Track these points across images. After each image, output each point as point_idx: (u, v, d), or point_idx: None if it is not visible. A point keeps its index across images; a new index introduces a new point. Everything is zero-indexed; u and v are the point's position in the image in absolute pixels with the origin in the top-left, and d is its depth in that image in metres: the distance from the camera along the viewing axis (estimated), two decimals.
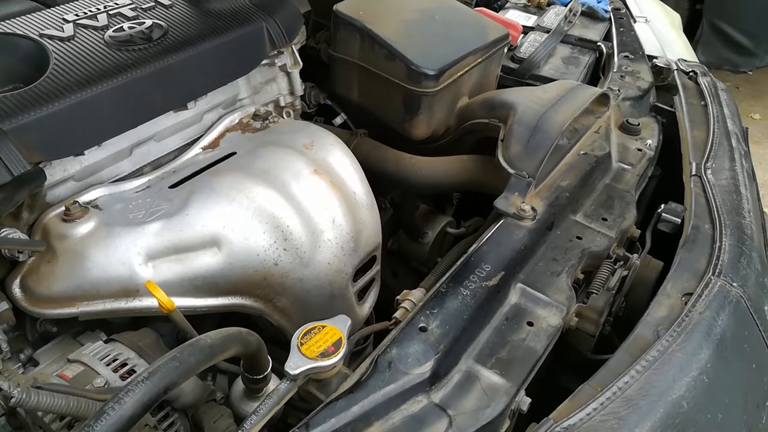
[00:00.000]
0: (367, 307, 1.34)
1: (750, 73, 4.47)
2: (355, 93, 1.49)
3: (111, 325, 1.10)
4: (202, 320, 1.12)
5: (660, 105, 1.67)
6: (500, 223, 1.15)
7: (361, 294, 1.31)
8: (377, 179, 1.47)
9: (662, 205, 1.17)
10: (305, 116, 1.66)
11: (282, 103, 1.54)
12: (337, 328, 0.88)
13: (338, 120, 1.60)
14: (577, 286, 1.12)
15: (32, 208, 1.05)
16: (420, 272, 1.82)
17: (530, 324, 1.00)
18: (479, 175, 1.39)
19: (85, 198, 1.10)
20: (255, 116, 1.38)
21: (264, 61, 1.40)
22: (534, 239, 1.14)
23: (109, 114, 1.07)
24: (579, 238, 1.18)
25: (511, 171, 1.23)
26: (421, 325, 0.93)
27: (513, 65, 1.70)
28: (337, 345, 0.85)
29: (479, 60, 1.46)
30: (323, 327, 0.88)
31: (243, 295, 1.11)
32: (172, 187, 1.15)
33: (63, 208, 1.04)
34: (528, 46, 1.75)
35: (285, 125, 1.35)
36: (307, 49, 1.65)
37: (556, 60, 1.75)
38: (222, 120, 1.37)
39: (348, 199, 1.21)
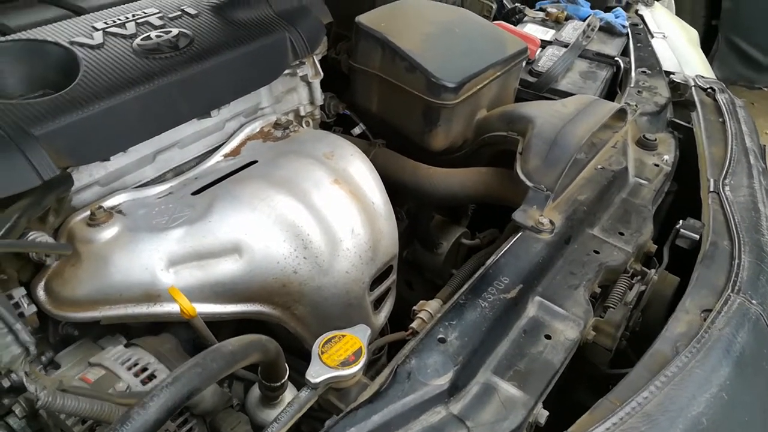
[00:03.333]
0: (382, 316, 1.35)
1: (765, 89, 4.46)
2: (374, 104, 1.50)
3: (129, 330, 1.12)
4: (220, 327, 1.13)
5: (677, 121, 1.67)
6: (518, 235, 1.16)
7: (377, 303, 1.32)
8: (394, 189, 1.48)
9: (680, 221, 1.18)
10: (324, 126, 1.68)
11: (302, 113, 1.56)
12: (357, 338, 0.88)
13: (357, 130, 1.62)
14: (593, 300, 1.12)
15: (58, 212, 1.06)
16: (434, 283, 1.82)
17: (548, 337, 1.00)
18: (496, 188, 1.40)
19: (109, 203, 1.11)
20: (276, 125, 1.39)
21: (286, 71, 1.41)
22: (551, 252, 1.15)
23: (135, 121, 1.09)
24: (596, 252, 1.18)
25: (529, 184, 1.23)
26: (440, 336, 0.93)
27: (531, 79, 1.71)
28: (357, 354, 0.86)
29: (498, 73, 1.47)
30: (343, 336, 0.89)
31: (262, 302, 1.12)
32: (194, 193, 1.17)
33: (88, 213, 1.06)
34: (546, 60, 1.76)
35: (306, 135, 1.36)
36: (328, 60, 1.67)
37: (573, 74, 1.76)
38: (243, 128, 1.38)
39: (367, 208, 1.22)
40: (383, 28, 1.41)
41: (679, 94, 1.81)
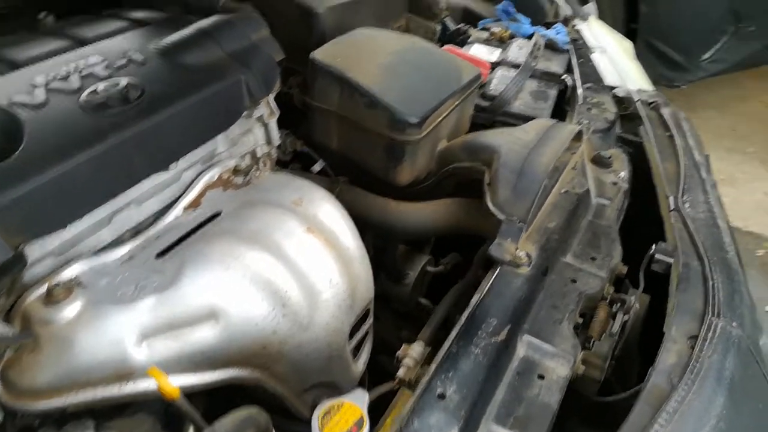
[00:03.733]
0: (361, 363, 1.32)
1: (684, 87, 4.71)
2: (334, 141, 1.47)
3: (98, 412, 1.03)
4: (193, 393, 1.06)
5: (626, 136, 1.72)
6: (498, 271, 1.15)
7: (356, 350, 1.29)
8: (362, 226, 1.45)
9: (653, 246, 1.20)
10: (281, 164, 1.63)
11: (259, 154, 1.50)
12: (356, 406, 0.85)
13: (317, 167, 1.58)
14: (576, 331, 1.13)
15: (10, 291, 0.97)
16: (399, 312, 1.80)
17: (541, 377, 1.00)
18: (465, 219, 1.39)
19: (66, 275, 1.02)
20: (236, 171, 1.33)
21: (243, 113, 1.36)
22: (532, 286, 1.15)
23: (91, 184, 1.01)
24: (573, 281, 1.19)
25: (501, 216, 1.23)
26: (439, 391, 0.91)
27: (484, 103, 1.72)
28: (359, 424, 0.83)
29: (457, 102, 1.47)
30: (341, 405, 0.85)
31: (240, 366, 1.06)
32: (159, 255, 1.09)
33: (44, 290, 0.97)
34: (497, 82, 1.77)
35: (269, 181, 1.31)
36: (280, 95, 1.62)
37: (524, 95, 1.78)
38: (201, 177, 1.31)
39: (342, 255, 1.18)
40: (340, 63, 1.38)
41: (624, 107, 1.86)
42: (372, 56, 1.44)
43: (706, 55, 4.48)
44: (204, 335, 1.01)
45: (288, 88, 1.62)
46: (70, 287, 0.98)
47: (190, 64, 1.25)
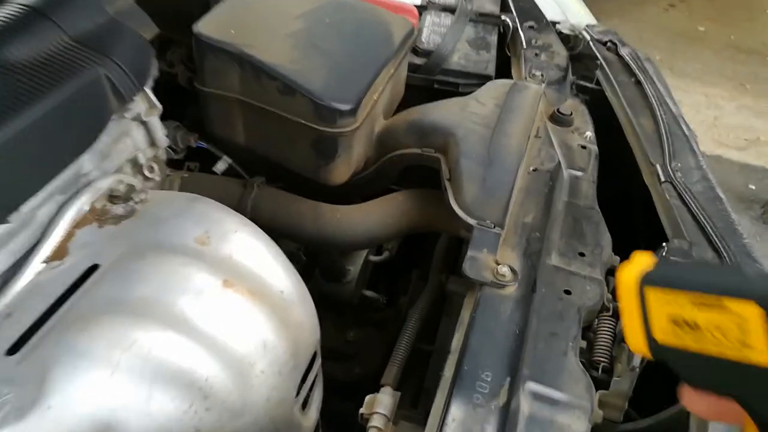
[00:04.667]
0: (313, 412, 1.05)
1: None
2: (240, 134, 1.14)
3: None
4: None
5: (584, 83, 1.49)
6: (479, 298, 0.91)
7: (304, 403, 1.02)
8: (292, 240, 1.16)
9: (664, 245, 0.98)
10: (174, 165, 1.28)
11: (141, 160, 1.15)
12: None
13: (221, 165, 1.24)
14: (584, 362, 0.91)
15: None
16: (342, 311, 1.55)
17: None
18: (422, 218, 1.13)
19: None
20: (112, 198, 0.98)
21: (113, 117, 1.00)
22: (523, 310, 0.91)
23: None
24: (568, 292, 0.97)
25: (471, 222, 0.97)
26: None
27: (418, 60, 1.42)
28: None
29: (392, 71, 1.16)
30: None
31: None
32: (11, 351, 0.76)
33: None
34: (429, 33, 1.47)
35: (160, 207, 0.97)
36: (161, 76, 1.25)
37: (462, 45, 1.49)
38: (64, 213, 0.96)
39: (276, 304, 0.89)
40: (234, 37, 1.03)
41: (570, 47, 1.62)
42: (276, 22, 1.09)
43: None
44: None
45: (169, 65, 1.25)
46: None
47: (19, 63, 0.87)
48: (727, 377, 0.38)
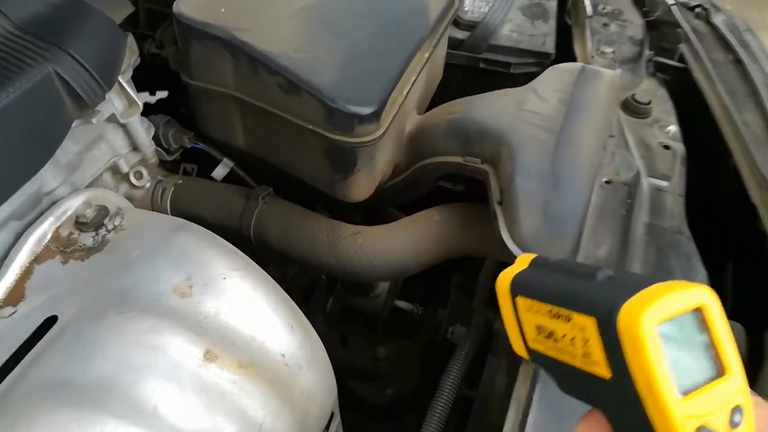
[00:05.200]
0: None
1: None
2: (239, 138, 0.92)
3: None
4: None
5: (664, 60, 1.21)
6: (539, 368, 0.69)
7: None
8: (303, 267, 0.96)
9: None
10: (170, 166, 1.08)
11: (124, 168, 0.95)
12: None
13: (220, 171, 1.03)
14: None
15: None
16: (370, 325, 1.36)
17: None
18: (465, 242, 0.91)
19: None
20: (79, 225, 0.79)
21: (74, 123, 0.79)
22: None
23: None
24: None
25: None
26: None
27: (460, 35, 1.16)
28: None
29: (428, 54, 0.92)
30: None
31: None
32: None
33: None
34: (473, 1, 1.20)
35: (134, 237, 0.78)
36: (147, 58, 1.04)
37: (514, 15, 1.22)
38: (23, 243, 0.78)
39: (276, 377, 0.70)
40: (224, 17, 0.80)
41: (645, 12, 1.33)
42: None
43: None
44: None
45: (159, 46, 1.04)
46: None
47: None
48: (586, 388, 0.36)
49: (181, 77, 0.88)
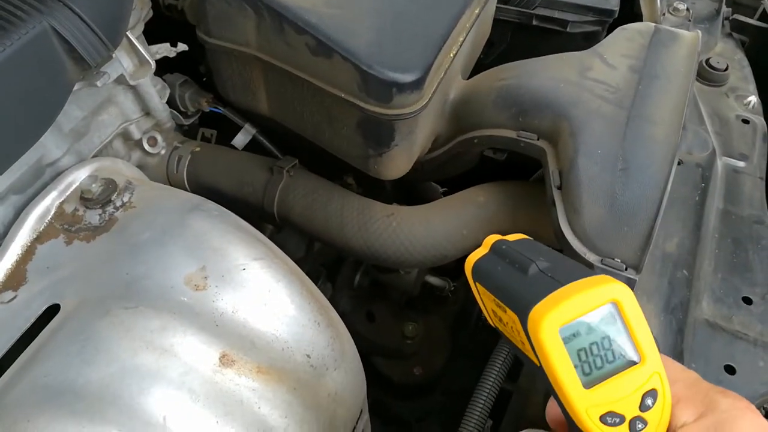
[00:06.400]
0: None
1: None
2: (263, 103, 0.82)
3: None
4: None
5: (739, 17, 1.07)
6: None
7: None
8: (331, 247, 0.87)
9: None
10: (188, 132, 0.99)
11: (136, 135, 0.86)
12: None
13: (241, 138, 0.94)
14: None
15: None
16: (400, 304, 1.28)
17: None
18: (515, 226, 0.81)
19: None
20: (84, 201, 0.71)
21: (76, 86, 0.70)
22: None
23: None
24: (731, 370, 0.65)
25: (591, 259, 0.65)
26: None
27: None
28: None
29: (478, 11, 0.80)
30: None
31: None
32: None
33: None
34: None
35: (144, 217, 0.69)
36: (162, 9, 0.94)
37: None
38: (24, 219, 0.71)
39: (300, 379, 0.62)
40: None
41: None
42: None
43: None
44: None
45: None
46: None
47: None
48: (532, 369, 0.38)
49: (198, 35, 0.78)
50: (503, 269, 0.41)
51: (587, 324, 0.36)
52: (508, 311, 0.39)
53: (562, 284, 0.36)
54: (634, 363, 0.36)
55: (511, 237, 0.45)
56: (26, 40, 0.60)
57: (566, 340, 0.35)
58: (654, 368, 0.36)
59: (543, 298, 0.36)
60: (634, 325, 0.36)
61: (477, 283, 0.43)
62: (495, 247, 0.43)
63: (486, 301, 0.43)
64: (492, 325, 0.44)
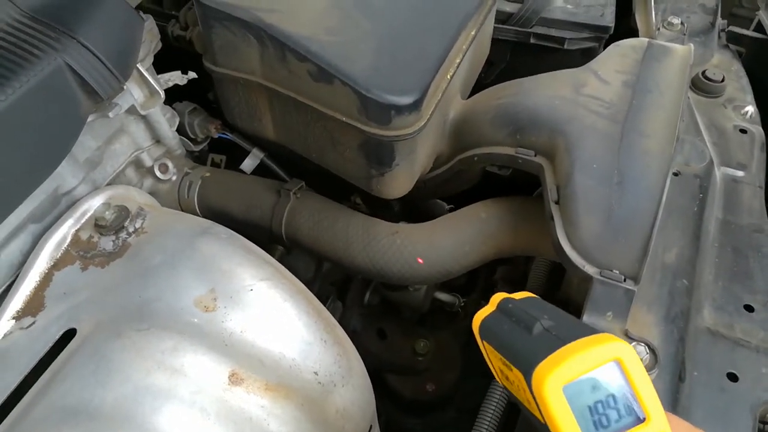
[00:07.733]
0: None
1: None
2: (268, 128, 0.85)
3: None
4: None
5: (735, 29, 1.08)
6: None
7: None
8: (339, 266, 0.89)
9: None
10: (198, 159, 1.02)
11: (148, 162, 0.90)
12: None
13: (249, 162, 0.97)
14: None
15: None
16: (411, 320, 1.29)
17: None
18: (517, 241, 0.83)
19: None
20: (99, 228, 0.74)
21: (90, 118, 0.74)
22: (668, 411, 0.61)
23: None
24: (733, 378, 0.65)
25: (589, 271, 0.66)
26: None
27: (509, 7, 1.06)
28: None
29: (474, 32, 0.83)
30: None
31: None
32: None
33: None
34: None
35: (155, 243, 0.72)
36: (171, 41, 0.98)
37: None
38: (41, 247, 0.73)
39: (308, 397, 0.64)
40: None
41: None
42: None
43: None
44: None
45: (183, 27, 0.97)
46: None
47: None
48: (539, 427, 0.38)
49: (204, 64, 0.81)
50: (509, 328, 0.42)
51: (592, 382, 0.36)
52: (514, 369, 0.39)
53: (566, 342, 0.37)
54: (640, 421, 0.36)
55: (517, 295, 0.46)
56: (43, 76, 0.64)
57: (571, 399, 0.35)
58: (660, 427, 0.36)
59: (546, 356, 0.36)
60: (638, 383, 0.36)
61: (484, 341, 0.44)
62: (501, 306, 0.44)
63: (493, 359, 0.43)
64: (500, 383, 0.44)
